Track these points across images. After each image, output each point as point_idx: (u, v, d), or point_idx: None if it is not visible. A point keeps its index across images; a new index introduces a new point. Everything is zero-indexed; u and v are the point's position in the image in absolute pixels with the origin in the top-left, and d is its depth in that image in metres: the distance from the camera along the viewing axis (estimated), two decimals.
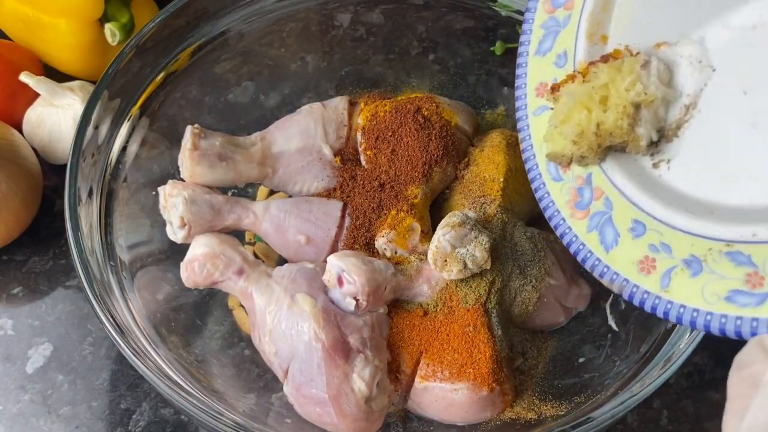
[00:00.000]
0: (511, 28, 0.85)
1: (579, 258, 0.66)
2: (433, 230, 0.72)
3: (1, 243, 0.82)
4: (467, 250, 0.69)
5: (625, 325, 0.74)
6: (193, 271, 0.72)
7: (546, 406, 0.71)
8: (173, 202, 0.73)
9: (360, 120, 0.79)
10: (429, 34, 0.88)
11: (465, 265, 0.69)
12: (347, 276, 0.69)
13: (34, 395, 0.77)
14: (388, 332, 0.71)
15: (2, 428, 0.75)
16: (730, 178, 0.60)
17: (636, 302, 0.62)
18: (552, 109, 0.67)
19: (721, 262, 0.59)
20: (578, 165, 0.67)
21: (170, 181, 0.75)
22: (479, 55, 0.87)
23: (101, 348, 0.79)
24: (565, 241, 0.67)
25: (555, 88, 0.66)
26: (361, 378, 0.67)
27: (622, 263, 0.64)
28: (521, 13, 0.83)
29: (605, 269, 0.64)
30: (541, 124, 0.69)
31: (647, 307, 0.61)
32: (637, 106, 0.63)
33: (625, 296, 0.63)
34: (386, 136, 0.77)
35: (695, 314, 0.59)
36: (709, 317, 0.58)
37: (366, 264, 0.69)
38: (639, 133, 0.63)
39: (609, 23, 0.68)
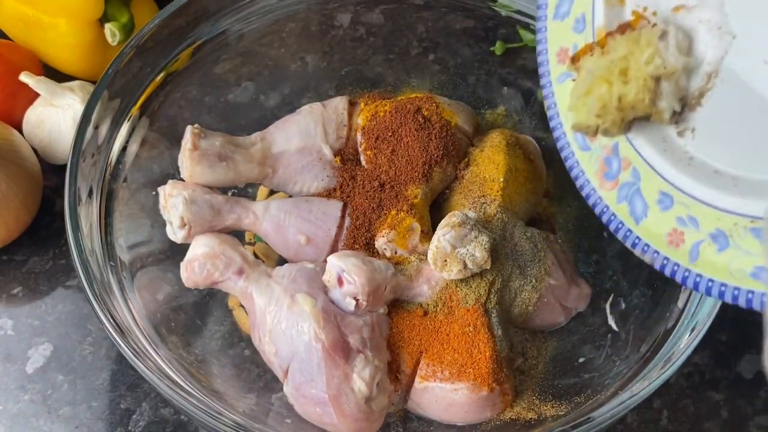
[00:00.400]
0: (511, 28, 0.85)
1: (611, 228, 0.66)
2: (433, 230, 0.72)
3: (1, 243, 0.82)
4: (467, 250, 0.69)
5: (625, 325, 0.74)
6: (193, 271, 0.72)
7: (546, 406, 0.71)
8: (173, 202, 0.73)
9: (360, 120, 0.79)
10: (429, 34, 0.88)
11: (465, 265, 0.69)
12: (347, 276, 0.69)
13: (34, 395, 0.77)
14: (388, 332, 0.71)
15: (2, 428, 0.75)
16: (752, 151, 0.60)
17: (667, 273, 0.62)
18: (574, 80, 0.67)
19: (746, 238, 0.58)
20: (603, 135, 0.66)
21: (170, 181, 0.75)
22: (479, 55, 0.87)
23: (101, 348, 0.79)
24: (597, 211, 0.67)
25: (575, 59, 0.66)
26: (361, 378, 0.67)
27: (652, 235, 0.63)
28: (521, 13, 0.83)
29: (637, 240, 0.64)
30: (566, 91, 0.69)
31: (678, 279, 0.62)
32: (657, 79, 0.62)
33: (657, 267, 0.63)
34: (386, 136, 0.77)
35: (723, 288, 0.59)
36: (736, 292, 0.58)
37: (366, 264, 0.69)
38: (661, 107, 0.62)
39: None
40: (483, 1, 0.84)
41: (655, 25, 0.63)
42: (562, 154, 0.70)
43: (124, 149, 0.77)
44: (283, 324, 0.69)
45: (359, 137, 0.79)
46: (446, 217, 0.71)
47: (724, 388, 0.78)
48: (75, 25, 0.84)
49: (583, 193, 0.68)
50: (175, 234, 0.74)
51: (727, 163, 0.61)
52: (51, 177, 0.86)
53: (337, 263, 0.69)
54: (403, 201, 0.74)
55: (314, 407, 0.68)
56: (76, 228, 0.69)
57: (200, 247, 0.72)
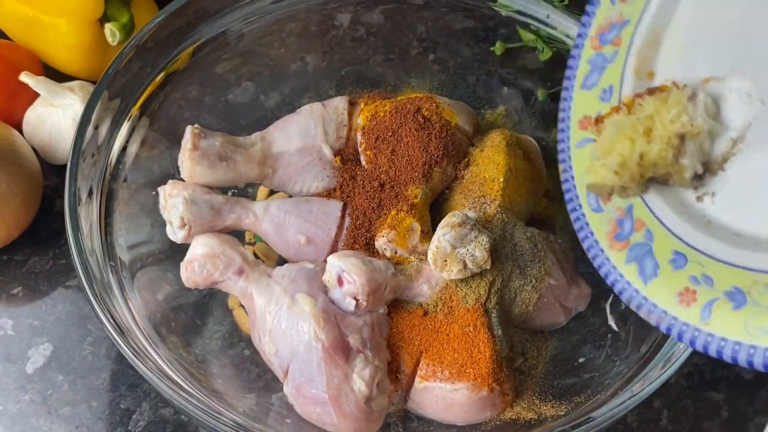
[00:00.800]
0: (511, 28, 0.85)
1: (616, 289, 0.65)
2: (433, 230, 0.72)
3: (1, 243, 0.82)
4: (467, 250, 0.69)
5: (625, 325, 0.74)
6: (193, 271, 0.72)
7: (546, 406, 0.71)
8: (173, 202, 0.73)
9: (360, 120, 0.79)
10: (429, 34, 0.88)
11: (465, 265, 0.69)
12: (347, 276, 0.69)
13: (34, 395, 0.77)
14: (388, 332, 0.71)
15: (2, 428, 0.75)
16: None
17: (674, 335, 0.60)
18: (595, 141, 0.66)
19: (766, 295, 0.57)
20: (619, 196, 0.66)
21: (170, 181, 0.75)
22: (479, 55, 0.87)
23: (101, 348, 0.79)
24: (602, 272, 0.66)
25: (599, 120, 0.66)
26: (361, 378, 0.67)
27: (660, 295, 0.62)
28: (521, 13, 0.83)
29: (643, 301, 0.62)
30: (583, 156, 0.69)
31: (685, 341, 0.59)
32: (681, 138, 0.62)
33: (663, 329, 0.61)
34: (386, 136, 0.77)
35: (737, 348, 0.56)
36: (752, 351, 0.56)
37: (366, 264, 0.69)
38: (684, 164, 0.62)
39: (656, 59, 0.67)
40: (483, 1, 0.84)
41: (685, 86, 0.63)
42: (572, 216, 0.69)
43: (124, 149, 0.77)
44: (283, 324, 0.69)
45: (359, 137, 0.79)
46: (446, 217, 0.71)
47: (724, 388, 0.78)
48: (75, 25, 0.84)
49: (590, 254, 0.67)
50: (175, 234, 0.74)
51: (748, 225, 0.60)
52: (51, 177, 0.86)
53: (337, 263, 0.69)
54: (403, 201, 0.74)
55: (314, 407, 0.68)
56: (76, 228, 0.69)
57: (200, 247, 0.72)
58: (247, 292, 0.71)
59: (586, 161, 0.68)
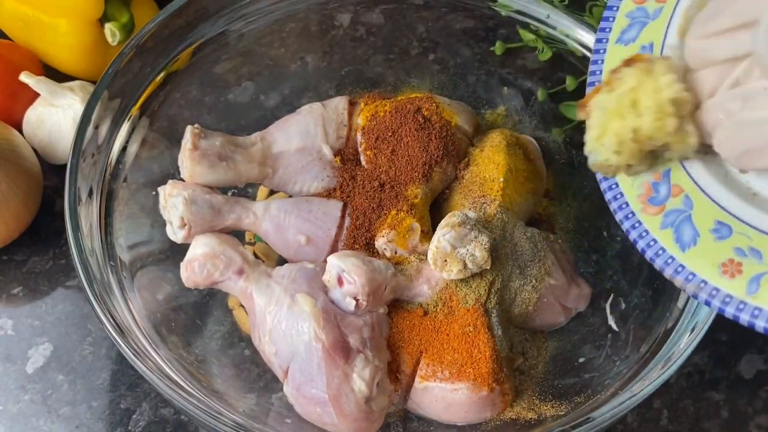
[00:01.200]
0: (511, 28, 0.85)
1: (647, 256, 0.62)
2: (433, 230, 0.72)
3: (1, 243, 0.82)
4: (467, 250, 0.69)
5: (625, 325, 0.74)
6: (193, 271, 0.72)
7: (546, 406, 0.71)
8: (173, 202, 0.73)
9: (360, 120, 0.79)
10: (429, 34, 0.88)
11: (465, 265, 0.69)
12: (347, 276, 0.69)
13: (34, 395, 0.77)
14: (388, 332, 0.71)
15: (2, 428, 0.75)
16: None
17: (714, 307, 0.58)
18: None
19: None
20: (627, 174, 0.64)
21: (170, 181, 0.75)
22: (479, 55, 0.87)
23: (101, 348, 0.79)
24: (632, 237, 0.63)
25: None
26: (361, 378, 0.67)
27: (700, 264, 0.59)
28: (521, 13, 0.83)
29: (679, 269, 0.60)
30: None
31: (728, 313, 0.57)
32: (677, 105, 0.60)
33: (701, 300, 0.59)
34: (386, 136, 0.77)
35: None
36: None
37: (366, 264, 0.69)
38: (688, 130, 0.60)
39: None
40: (483, 1, 0.84)
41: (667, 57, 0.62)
42: (600, 179, 0.66)
43: (124, 149, 0.77)
44: (283, 324, 0.69)
45: (359, 137, 0.79)
46: (446, 217, 0.71)
47: (724, 388, 0.78)
48: (75, 25, 0.84)
49: (618, 217, 0.64)
50: (175, 234, 0.74)
51: None
52: (51, 177, 0.86)
53: (337, 263, 0.69)
54: (403, 201, 0.74)
55: (314, 407, 0.68)
56: (76, 228, 0.69)
57: (200, 247, 0.72)
58: (247, 292, 0.71)
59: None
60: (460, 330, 0.70)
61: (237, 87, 0.86)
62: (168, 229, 0.74)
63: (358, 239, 0.74)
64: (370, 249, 0.74)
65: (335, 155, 0.78)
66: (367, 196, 0.75)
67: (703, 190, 0.62)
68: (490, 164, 0.77)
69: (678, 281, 0.60)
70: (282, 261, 0.77)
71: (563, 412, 0.69)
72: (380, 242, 0.73)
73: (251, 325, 0.72)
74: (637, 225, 0.63)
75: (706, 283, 0.59)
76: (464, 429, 0.70)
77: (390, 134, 0.77)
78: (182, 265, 0.73)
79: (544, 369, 0.74)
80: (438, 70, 0.88)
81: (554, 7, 0.82)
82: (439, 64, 0.88)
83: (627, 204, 0.64)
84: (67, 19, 0.84)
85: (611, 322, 0.75)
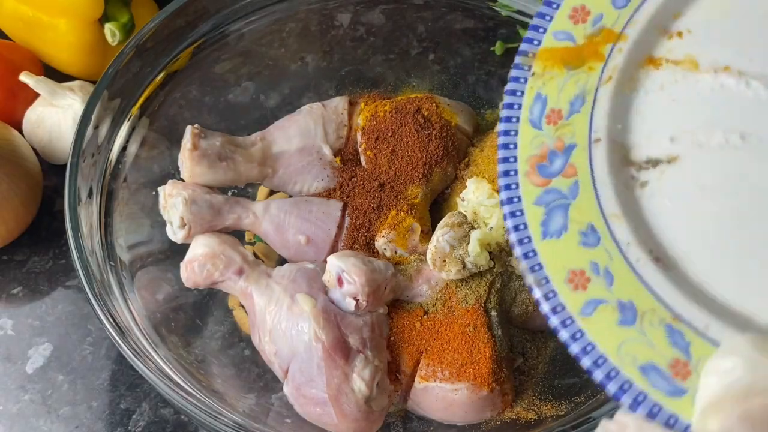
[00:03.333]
0: (511, 28, 0.85)
1: (508, 224, 0.57)
2: (433, 230, 0.72)
3: (1, 243, 0.82)
4: (466, 250, 0.69)
5: None
6: (193, 271, 0.72)
7: (546, 406, 0.71)
8: (173, 202, 0.73)
9: (360, 120, 0.79)
10: (429, 34, 0.88)
11: (464, 266, 0.69)
12: (347, 276, 0.69)
13: (34, 395, 0.77)
14: (388, 332, 0.71)
15: (2, 428, 0.75)
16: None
17: (544, 310, 0.54)
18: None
19: (657, 330, 0.52)
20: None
21: (170, 181, 0.75)
22: (479, 55, 0.87)
23: (101, 348, 0.79)
24: (503, 196, 0.57)
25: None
26: (361, 378, 0.67)
27: (551, 260, 0.55)
28: (521, 13, 0.83)
29: (530, 253, 0.55)
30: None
31: (552, 323, 0.54)
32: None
33: (536, 295, 0.55)
34: (386, 136, 0.77)
35: (601, 361, 0.52)
36: (614, 374, 0.52)
37: (366, 264, 0.69)
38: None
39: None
40: (483, 1, 0.84)
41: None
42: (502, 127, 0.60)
43: (124, 149, 0.77)
44: (283, 324, 0.69)
45: (359, 137, 0.79)
46: (446, 217, 0.71)
47: None
48: (75, 25, 0.84)
49: (500, 169, 0.58)
50: (175, 234, 0.74)
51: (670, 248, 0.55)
52: (51, 177, 0.86)
53: (337, 263, 0.69)
54: (403, 201, 0.74)
55: (314, 407, 0.68)
56: (76, 228, 0.69)
57: (200, 247, 0.72)
58: (247, 292, 0.71)
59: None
60: (460, 330, 0.70)
61: (237, 87, 0.86)
62: (168, 229, 0.74)
63: (358, 239, 0.74)
64: (370, 249, 0.74)
65: (335, 155, 0.78)
66: (367, 196, 0.75)
67: (594, 183, 0.57)
68: (490, 164, 0.77)
69: (524, 266, 0.56)
70: (282, 261, 0.77)
71: (563, 412, 0.69)
72: (380, 242, 0.73)
73: (251, 325, 0.72)
74: (513, 187, 0.57)
75: (548, 281, 0.55)
76: (464, 429, 0.70)
77: (390, 134, 0.77)
78: (182, 265, 0.73)
79: (544, 369, 0.74)
80: (438, 70, 0.88)
81: None
82: (439, 64, 0.88)
83: (515, 158, 0.58)
84: (67, 19, 0.84)
85: None
